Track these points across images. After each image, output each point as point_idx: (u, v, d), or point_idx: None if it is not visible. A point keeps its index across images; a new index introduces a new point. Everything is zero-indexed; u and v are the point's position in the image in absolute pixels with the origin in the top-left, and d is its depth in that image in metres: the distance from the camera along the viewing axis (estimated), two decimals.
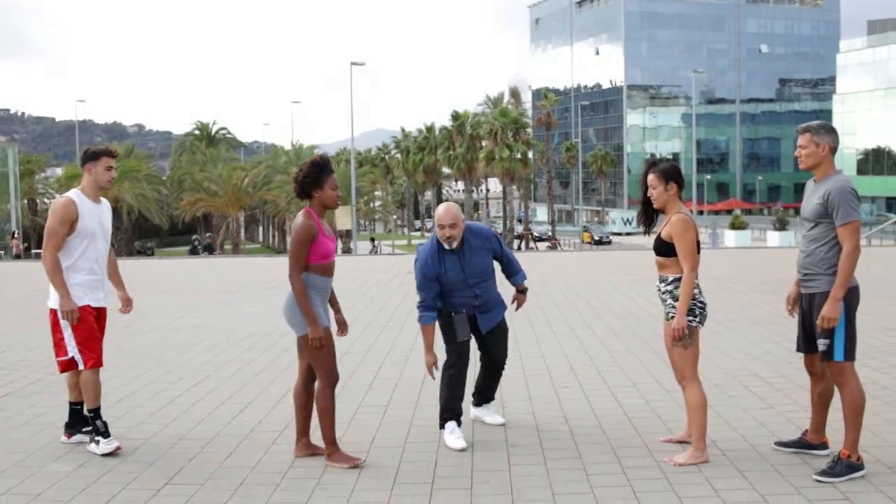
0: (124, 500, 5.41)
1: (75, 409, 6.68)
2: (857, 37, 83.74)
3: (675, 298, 5.97)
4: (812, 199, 5.78)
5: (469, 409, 7.04)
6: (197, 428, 7.02)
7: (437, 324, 6.67)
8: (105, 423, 6.43)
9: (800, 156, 5.83)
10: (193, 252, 37.79)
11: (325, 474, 5.84)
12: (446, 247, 6.52)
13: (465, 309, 6.61)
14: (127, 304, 6.91)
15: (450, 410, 6.57)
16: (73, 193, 6.52)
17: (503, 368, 7.05)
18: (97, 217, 6.51)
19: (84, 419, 6.59)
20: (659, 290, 6.14)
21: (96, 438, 6.37)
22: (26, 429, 7.07)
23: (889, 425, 6.69)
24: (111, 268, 6.83)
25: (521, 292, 7.07)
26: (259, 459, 6.19)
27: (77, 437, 6.66)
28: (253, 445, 6.53)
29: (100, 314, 6.61)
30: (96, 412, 6.42)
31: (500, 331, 6.89)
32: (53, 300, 6.45)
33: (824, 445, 6.07)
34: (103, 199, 6.70)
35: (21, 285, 18.64)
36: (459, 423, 6.54)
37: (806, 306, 5.91)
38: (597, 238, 74.86)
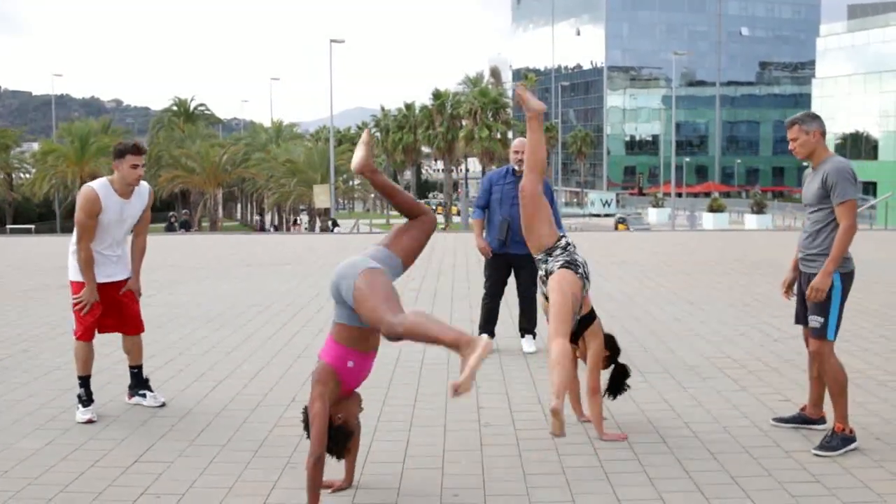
0: (93, 477, 5.37)
1: (134, 371, 7.00)
2: (837, 21, 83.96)
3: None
4: (812, 183, 5.93)
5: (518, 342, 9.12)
6: (167, 406, 6.96)
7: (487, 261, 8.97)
8: (89, 394, 6.65)
9: (793, 148, 5.97)
10: (170, 229, 37.54)
11: (296, 453, 5.81)
12: (516, 168, 8.56)
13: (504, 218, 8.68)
14: (135, 292, 6.97)
15: (485, 329, 8.93)
16: (100, 185, 6.57)
17: (530, 299, 8.84)
18: (121, 210, 6.59)
19: (143, 381, 7.00)
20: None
21: (78, 405, 6.63)
22: None
23: (860, 408, 6.71)
24: (136, 254, 6.92)
25: None
26: (230, 438, 6.15)
27: (136, 399, 6.98)
28: (224, 424, 6.48)
29: (117, 287, 6.77)
30: (83, 380, 6.64)
31: (528, 261, 7.87)
32: (73, 272, 6.64)
33: (823, 420, 6.22)
34: (138, 191, 6.69)
35: None
36: (492, 336, 8.75)
37: (805, 284, 6.04)
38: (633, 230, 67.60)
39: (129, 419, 6.60)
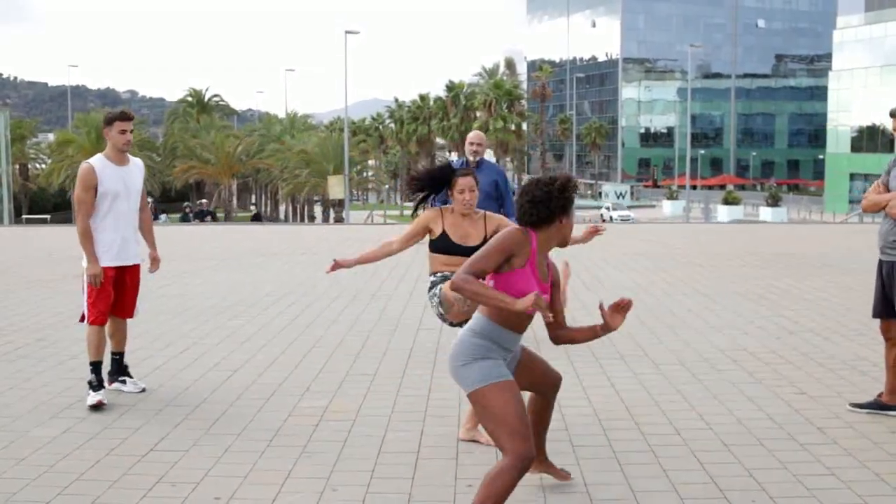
0: (108, 466, 5.39)
1: (116, 358, 7.09)
2: (854, 13, 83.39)
3: None
4: None
5: None
6: (183, 394, 6.99)
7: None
8: (100, 380, 6.73)
9: None
10: (185, 219, 37.56)
11: (311, 443, 5.82)
12: (471, 159, 8.57)
13: None
14: (154, 262, 7.25)
15: None
16: (95, 158, 6.83)
17: None
18: (121, 179, 6.79)
19: (123, 368, 7.09)
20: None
21: (89, 391, 6.70)
22: (12, 393, 7.03)
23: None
24: (145, 227, 7.15)
25: None
26: (245, 427, 6.17)
27: (116, 385, 7.06)
28: (239, 413, 6.50)
29: (129, 272, 6.96)
30: (94, 366, 6.73)
31: None
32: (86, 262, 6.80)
33: None
34: (133, 160, 6.99)
35: (13, 251, 18.61)
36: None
37: (886, 273, 6.15)
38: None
39: (144, 408, 6.62)
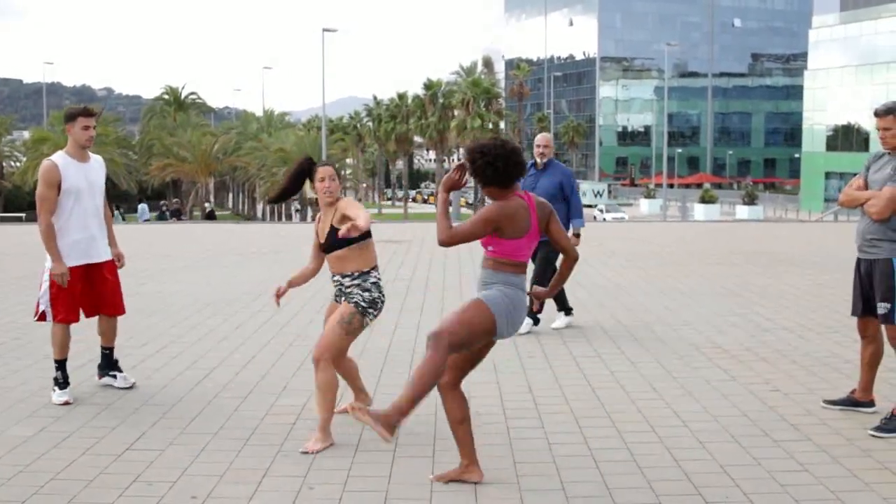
0: (85, 465, 5.37)
1: (105, 353, 7.11)
2: (829, 13, 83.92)
3: (364, 290, 5.78)
4: (885, 169, 6.06)
5: None
6: (159, 394, 6.97)
7: None
8: (65, 377, 6.76)
9: (884, 137, 6.06)
10: (161, 218, 37.43)
11: (288, 442, 5.82)
12: (538, 161, 9.24)
13: None
14: (118, 258, 7.16)
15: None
16: (57, 156, 6.77)
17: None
18: (83, 175, 6.76)
19: (113, 363, 7.11)
20: (342, 286, 5.84)
21: (54, 388, 6.73)
22: None
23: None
24: (106, 221, 7.06)
25: (576, 235, 9.01)
26: (221, 426, 6.16)
27: (106, 379, 7.10)
28: (216, 411, 6.49)
29: (106, 268, 6.92)
30: (60, 364, 6.75)
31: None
32: (50, 261, 6.75)
33: (871, 403, 6.40)
34: (94, 157, 6.95)
35: None
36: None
37: (864, 271, 6.19)
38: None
39: (121, 407, 6.60)
